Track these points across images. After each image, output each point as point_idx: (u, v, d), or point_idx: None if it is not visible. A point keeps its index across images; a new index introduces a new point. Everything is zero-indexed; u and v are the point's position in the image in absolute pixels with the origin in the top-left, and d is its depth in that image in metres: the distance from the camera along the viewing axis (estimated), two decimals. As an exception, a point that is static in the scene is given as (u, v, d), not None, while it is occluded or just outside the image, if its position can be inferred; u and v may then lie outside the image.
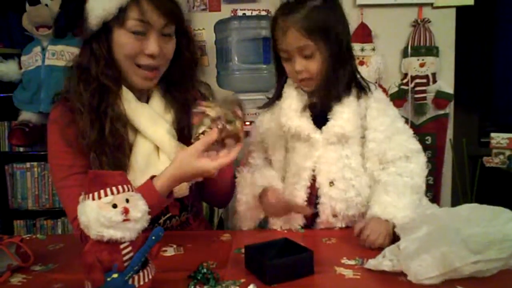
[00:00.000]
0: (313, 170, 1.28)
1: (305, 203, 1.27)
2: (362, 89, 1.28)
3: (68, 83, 1.24)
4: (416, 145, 1.29)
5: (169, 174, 1.12)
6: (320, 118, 1.28)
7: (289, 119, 1.28)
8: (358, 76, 1.31)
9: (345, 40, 1.25)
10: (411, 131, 1.32)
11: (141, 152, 1.23)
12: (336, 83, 1.25)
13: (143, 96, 1.30)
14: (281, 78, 1.35)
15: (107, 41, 1.21)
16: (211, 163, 1.10)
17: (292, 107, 1.29)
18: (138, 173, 1.19)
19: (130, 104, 1.24)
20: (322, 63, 1.23)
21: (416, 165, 1.26)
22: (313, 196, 1.28)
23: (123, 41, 1.19)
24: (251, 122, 1.47)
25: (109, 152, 1.17)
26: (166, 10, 1.18)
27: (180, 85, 1.33)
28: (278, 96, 1.34)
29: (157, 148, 1.25)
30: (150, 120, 1.25)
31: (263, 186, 1.28)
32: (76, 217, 1.08)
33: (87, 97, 1.19)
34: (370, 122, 1.28)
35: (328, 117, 1.26)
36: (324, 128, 1.26)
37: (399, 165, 1.25)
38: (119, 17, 1.17)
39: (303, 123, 1.27)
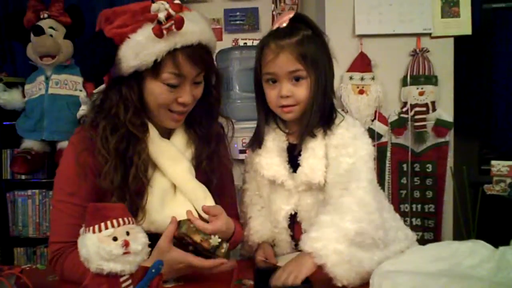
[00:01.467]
0: (292, 214, 1.29)
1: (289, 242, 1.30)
2: (329, 124, 1.25)
3: (90, 113, 1.23)
4: (367, 195, 1.15)
5: None
6: (297, 159, 1.26)
7: (265, 169, 1.28)
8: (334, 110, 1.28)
9: (330, 75, 1.25)
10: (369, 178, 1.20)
11: (157, 188, 1.21)
12: (317, 114, 1.22)
13: (166, 131, 1.28)
14: (262, 111, 1.33)
15: (138, 88, 1.19)
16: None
17: (268, 154, 1.29)
18: (154, 213, 1.18)
19: (153, 142, 1.22)
20: (308, 91, 1.22)
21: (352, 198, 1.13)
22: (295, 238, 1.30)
23: (156, 91, 1.18)
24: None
25: (129, 198, 1.16)
26: (199, 60, 1.18)
27: (204, 121, 1.32)
28: (262, 134, 1.33)
29: (174, 186, 1.23)
30: (171, 158, 1.23)
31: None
32: (55, 242, 1.17)
33: (114, 142, 1.17)
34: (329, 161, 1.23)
35: (298, 161, 1.25)
36: (295, 175, 1.25)
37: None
38: (154, 68, 1.15)
39: (279, 169, 1.27)
